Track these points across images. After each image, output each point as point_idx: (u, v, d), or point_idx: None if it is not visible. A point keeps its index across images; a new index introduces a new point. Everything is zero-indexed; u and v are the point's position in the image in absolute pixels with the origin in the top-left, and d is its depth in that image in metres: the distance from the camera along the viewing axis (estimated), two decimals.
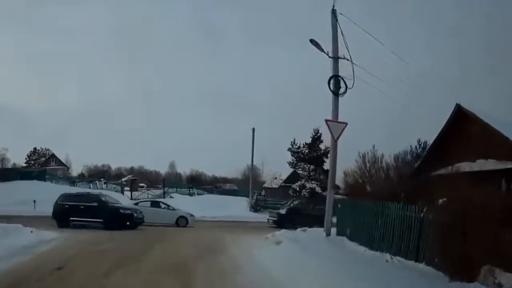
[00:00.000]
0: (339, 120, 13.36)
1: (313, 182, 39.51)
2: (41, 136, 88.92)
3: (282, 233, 12.10)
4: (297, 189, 39.39)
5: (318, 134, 41.14)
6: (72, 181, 38.92)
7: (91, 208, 17.62)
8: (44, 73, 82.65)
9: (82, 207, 17.73)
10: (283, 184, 47.06)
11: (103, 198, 18.83)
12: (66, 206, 17.93)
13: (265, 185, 46.69)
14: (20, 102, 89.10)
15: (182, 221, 21.79)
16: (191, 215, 22.62)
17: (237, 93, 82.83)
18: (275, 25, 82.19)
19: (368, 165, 12.51)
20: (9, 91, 71.08)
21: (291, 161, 42.18)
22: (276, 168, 45.84)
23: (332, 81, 13.42)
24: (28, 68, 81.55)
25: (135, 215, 17.98)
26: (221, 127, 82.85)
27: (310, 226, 16.70)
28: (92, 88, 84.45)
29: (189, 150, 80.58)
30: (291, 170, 45.41)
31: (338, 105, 13.45)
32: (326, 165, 41.15)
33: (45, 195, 30.52)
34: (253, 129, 35.60)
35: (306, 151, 41.33)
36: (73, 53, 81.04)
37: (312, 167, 40.83)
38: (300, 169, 41.83)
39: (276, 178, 45.93)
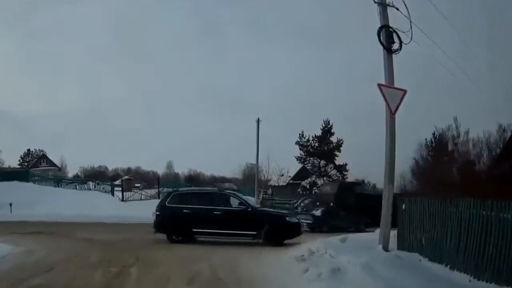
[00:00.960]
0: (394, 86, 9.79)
1: (324, 178, 35.64)
2: (37, 138, 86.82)
3: (323, 246, 8.20)
4: (307, 186, 35.50)
5: (329, 126, 37.25)
6: (57, 181, 34.96)
7: (234, 215, 12.41)
8: (41, 74, 79.77)
9: (217, 212, 12.39)
10: (291, 181, 43.06)
11: (246, 200, 13.80)
12: (186, 211, 12.53)
13: (271, 182, 42.40)
14: (16, 104, 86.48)
15: None
16: None
17: (236, 90, 79.36)
18: (274, 21, 78.92)
19: (451, 145, 8.67)
20: (6, 91, 68.48)
21: (300, 156, 38.15)
22: (282, 164, 41.76)
23: (382, 33, 9.75)
24: (25, 69, 79.11)
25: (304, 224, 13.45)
26: (218, 126, 79.41)
27: (346, 231, 13.04)
28: (88, 89, 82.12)
29: (187, 149, 78.22)
30: (296, 168, 41.74)
31: (392, 65, 9.69)
32: (338, 160, 37.39)
33: (24, 197, 26.96)
34: (258, 120, 31.67)
35: (316, 144, 37.33)
36: (70, 54, 79.19)
37: (322, 162, 36.87)
38: (309, 165, 37.79)
39: (283, 174, 41.76)
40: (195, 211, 12.53)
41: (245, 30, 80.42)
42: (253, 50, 77.53)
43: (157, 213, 13.01)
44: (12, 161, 59.60)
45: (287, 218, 13.07)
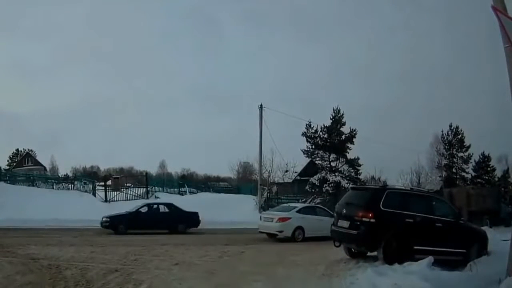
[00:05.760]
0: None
1: (336, 174, 31.38)
2: (29, 138, 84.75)
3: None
4: (317, 183, 31.24)
5: (340, 115, 32.93)
6: (31, 180, 30.75)
7: (450, 228, 9.57)
8: (32, 74, 77.35)
9: (438, 224, 9.40)
10: (298, 177, 38.64)
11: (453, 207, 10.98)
12: (408, 220, 9.04)
13: (276, 179, 37.88)
14: (7, 103, 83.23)
15: None
16: None
17: (229, 88, 76.99)
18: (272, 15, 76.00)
19: None
20: None
21: (307, 149, 33.60)
22: (286, 159, 37.73)
23: None
24: (15, 70, 75.99)
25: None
26: (212, 125, 77.84)
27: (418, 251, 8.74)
28: (81, 89, 79.92)
29: (180, 149, 76.79)
30: (303, 163, 37.73)
31: None
32: (351, 153, 33.09)
33: None
34: (261, 106, 27.47)
35: (325, 136, 33.01)
36: (63, 53, 75.82)
37: (333, 156, 32.56)
38: (318, 159, 33.45)
39: (287, 170, 37.39)
40: (417, 222, 9.21)
41: (238, 25, 77.65)
42: (245, 44, 75.20)
43: (371, 219, 8.84)
44: (1, 162, 58.32)
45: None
